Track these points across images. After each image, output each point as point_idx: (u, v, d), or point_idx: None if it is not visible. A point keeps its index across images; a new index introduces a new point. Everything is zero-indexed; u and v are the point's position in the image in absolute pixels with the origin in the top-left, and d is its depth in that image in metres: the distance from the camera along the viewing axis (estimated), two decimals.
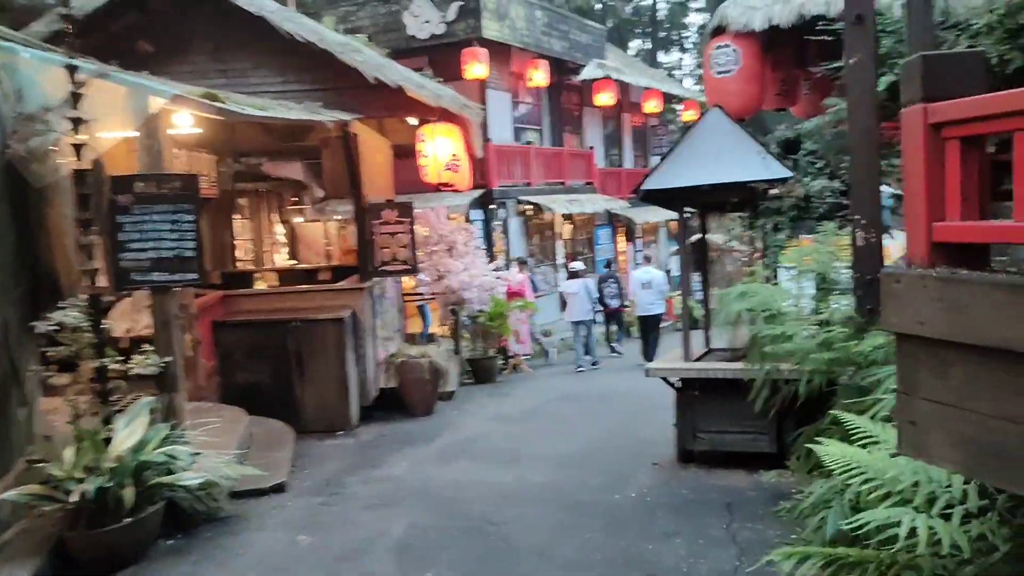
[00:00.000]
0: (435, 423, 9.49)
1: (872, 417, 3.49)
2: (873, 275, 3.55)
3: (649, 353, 13.65)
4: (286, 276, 13.62)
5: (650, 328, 14.14)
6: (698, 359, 7.39)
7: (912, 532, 2.70)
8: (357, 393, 9.46)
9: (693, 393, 7.04)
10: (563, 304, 14.77)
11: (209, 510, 5.78)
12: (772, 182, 6.22)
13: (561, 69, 20.65)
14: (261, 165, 14.61)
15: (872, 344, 4.00)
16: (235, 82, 9.44)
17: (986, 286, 2.02)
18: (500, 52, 18.28)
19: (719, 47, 7.73)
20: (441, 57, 17.16)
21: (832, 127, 6.58)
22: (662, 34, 37.04)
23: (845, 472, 3.08)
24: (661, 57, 37.41)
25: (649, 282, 14.19)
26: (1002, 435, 2.02)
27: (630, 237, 24.47)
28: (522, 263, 16.02)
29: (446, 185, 9.07)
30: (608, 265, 17.36)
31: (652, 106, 24.07)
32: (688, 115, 26.99)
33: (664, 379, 7.14)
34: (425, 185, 16.73)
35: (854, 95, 4.80)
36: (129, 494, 5.09)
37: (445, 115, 9.15)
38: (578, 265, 15.24)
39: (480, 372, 13.25)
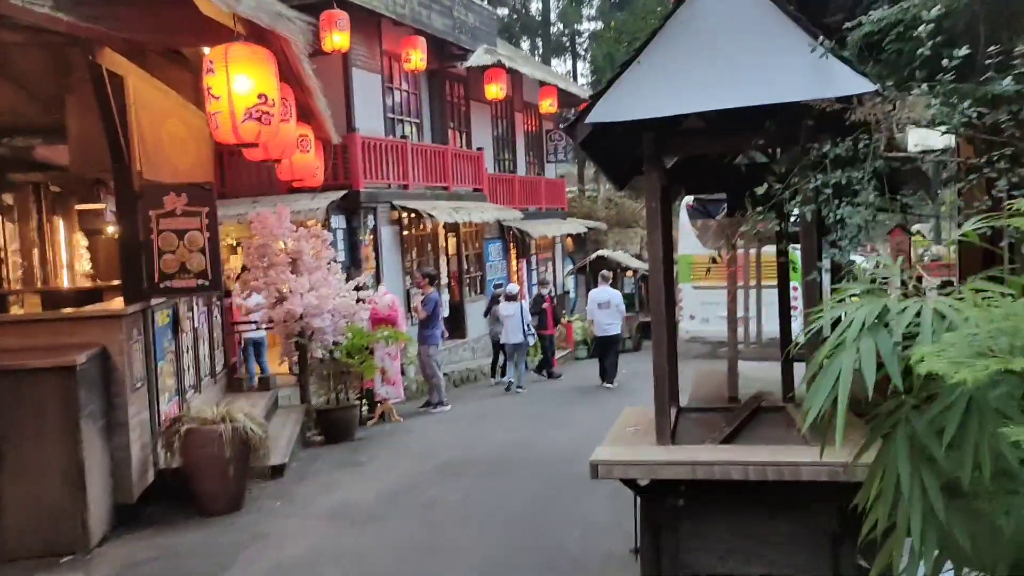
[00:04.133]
0: (236, 531, 5.95)
1: None
2: None
3: (609, 375, 13.45)
4: (56, 299, 9.76)
5: (609, 349, 13.62)
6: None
7: None
8: (106, 486, 5.83)
9: (675, 502, 3.85)
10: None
11: None
12: (846, 102, 3.15)
13: (444, 53, 17.45)
14: (33, 148, 10.70)
15: None
16: None
17: None
18: (368, 22, 14.93)
19: None
20: None
21: None
22: (553, 38, 34.48)
23: None
24: (554, 64, 34.87)
25: (607, 301, 13.61)
26: None
27: (523, 253, 21.41)
28: (430, 278, 12.63)
29: (248, 147, 5.65)
30: (543, 285, 16.39)
31: (548, 105, 21.20)
32: None
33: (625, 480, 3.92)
34: (278, 185, 13.30)
35: None
36: None
37: (255, 35, 5.76)
38: (513, 288, 14.60)
39: (333, 427, 9.77)
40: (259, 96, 5.34)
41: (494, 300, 15.30)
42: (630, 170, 4.89)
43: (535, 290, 20.59)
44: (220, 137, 5.45)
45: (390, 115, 16.04)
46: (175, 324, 7.46)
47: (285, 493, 6.91)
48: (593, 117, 3.49)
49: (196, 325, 8.44)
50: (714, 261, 5.80)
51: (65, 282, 12.48)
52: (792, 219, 3.95)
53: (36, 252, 11.76)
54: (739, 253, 6.52)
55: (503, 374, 14.39)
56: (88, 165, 6.82)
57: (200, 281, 6.63)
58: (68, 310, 6.61)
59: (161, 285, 6.57)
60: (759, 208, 3.38)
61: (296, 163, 9.32)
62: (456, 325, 17.28)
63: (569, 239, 25.13)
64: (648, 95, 3.45)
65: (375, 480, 7.42)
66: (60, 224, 12.59)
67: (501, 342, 14.03)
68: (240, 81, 5.28)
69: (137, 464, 6.16)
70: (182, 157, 8.33)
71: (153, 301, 6.73)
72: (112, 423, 5.94)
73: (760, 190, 3.35)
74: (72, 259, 13.07)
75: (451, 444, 9.13)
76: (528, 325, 13.76)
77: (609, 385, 13.45)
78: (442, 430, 10.24)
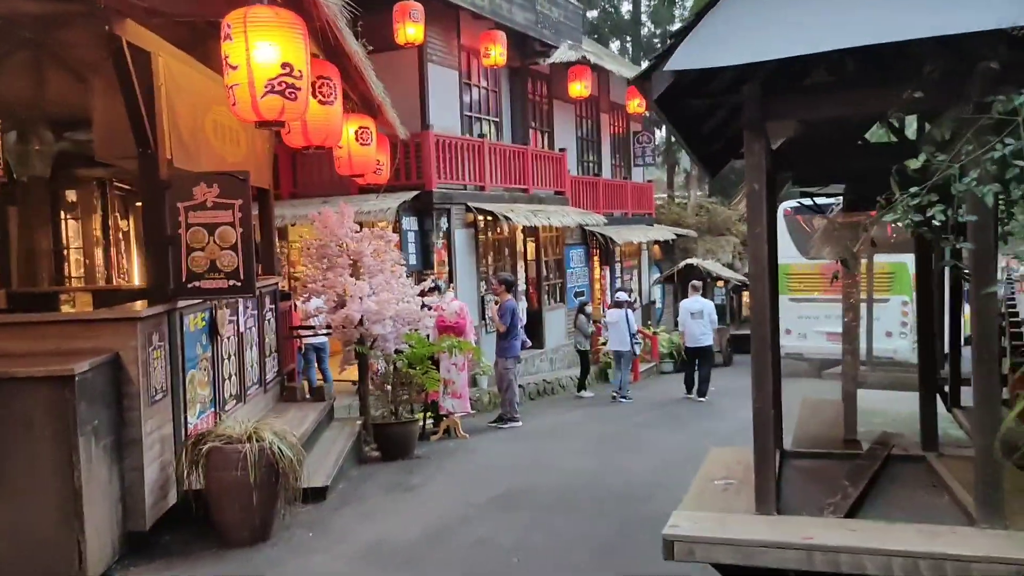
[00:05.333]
0: (255, 568, 5.19)
1: None
2: None
3: (701, 387, 13.27)
4: (110, 298, 9.29)
5: (702, 360, 13.43)
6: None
7: None
8: (113, 512, 5.15)
9: None
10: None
11: None
12: None
13: (526, 50, 16.63)
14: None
15: None
16: None
17: None
18: (445, 15, 14.24)
19: None
20: (369, 18, 13.10)
21: None
22: (643, 39, 33.21)
23: None
24: (645, 66, 33.60)
25: (700, 311, 13.46)
26: None
27: (606, 260, 20.34)
28: (507, 285, 11.84)
29: (272, 124, 4.87)
30: (628, 294, 15.54)
31: (636, 105, 20.08)
32: None
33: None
34: (349, 185, 12.69)
35: None
36: None
37: (290, 2, 5.00)
38: (623, 295, 14.61)
39: (390, 443, 8.99)
40: (283, 66, 4.57)
41: (580, 310, 14.75)
42: (725, 149, 3.89)
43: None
44: (239, 113, 4.71)
45: (467, 113, 15.29)
46: (212, 328, 6.79)
47: (321, 521, 6.13)
48: (675, 63, 2.53)
49: (242, 330, 7.79)
50: (845, 265, 4.69)
51: (136, 281, 12.15)
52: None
53: (99, 251, 11.43)
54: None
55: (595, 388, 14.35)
56: (113, 151, 6.22)
57: (232, 282, 5.93)
58: (80, 312, 5.99)
59: (189, 285, 5.89)
60: (914, 191, 2.35)
61: (355, 156, 8.61)
62: (534, 335, 16.39)
63: (656, 247, 23.95)
64: (753, 31, 2.47)
65: (423, 509, 6.58)
66: (127, 222, 12.27)
67: (608, 349, 13.98)
68: (262, 49, 4.52)
69: (153, 486, 5.48)
70: (231, 149, 7.71)
71: (182, 303, 6.07)
72: (123, 440, 5.27)
73: (915, 164, 2.32)
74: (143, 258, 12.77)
75: (515, 468, 8.22)
76: (635, 334, 13.68)
77: (701, 399, 13.22)
78: (508, 450, 9.35)
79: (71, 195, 11.12)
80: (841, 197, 5.11)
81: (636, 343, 13.89)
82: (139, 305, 6.01)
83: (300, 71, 4.65)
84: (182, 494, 5.87)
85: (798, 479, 3.45)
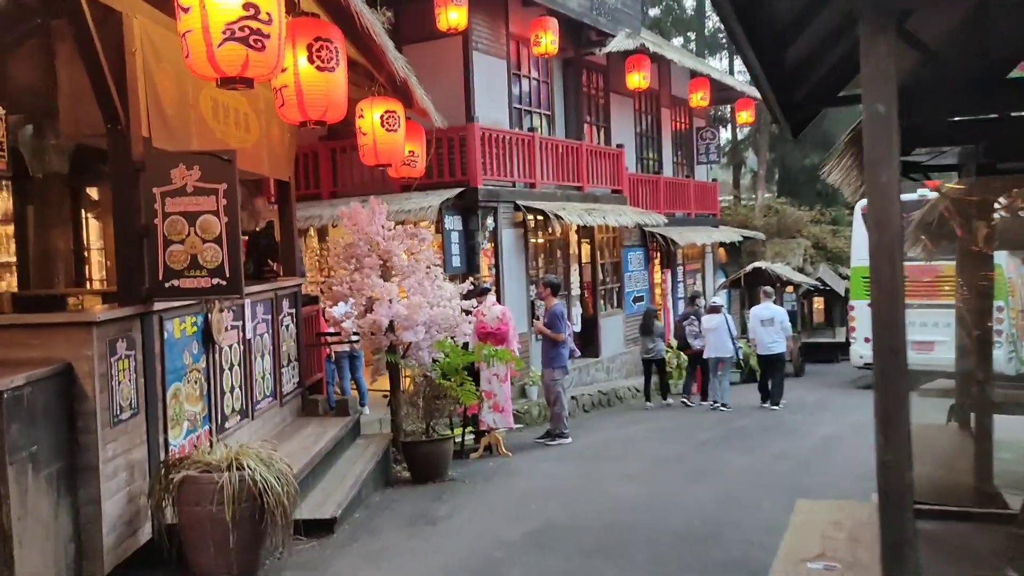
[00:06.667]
0: None
1: None
2: None
3: (774, 396, 12.87)
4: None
5: (773, 368, 13.06)
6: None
7: None
8: (61, 555, 4.29)
9: None
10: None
11: None
12: None
13: (581, 38, 15.59)
14: None
15: None
16: None
17: None
18: (492, 1, 13.32)
19: None
20: (411, 6, 12.35)
21: None
22: (707, 34, 31.76)
23: None
24: (709, 62, 32.19)
25: (771, 319, 13.03)
26: None
27: (667, 263, 19.12)
28: (553, 288, 10.96)
29: (236, 82, 3.93)
30: (693, 301, 14.71)
31: (699, 99, 18.83)
32: (744, 116, 21.80)
33: None
34: (391, 183, 11.87)
35: None
36: None
37: None
38: (719, 300, 14.25)
39: (420, 463, 8.05)
40: (246, 7, 3.66)
41: (649, 316, 13.83)
42: (812, 96, 2.82)
43: (680, 305, 18.35)
44: (193, 67, 3.81)
45: (516, 105, 14.32)
46: (206, 335, 5.94)
47: (321, 563, 5.21)
48: None
49: (250, 336, 6.95)
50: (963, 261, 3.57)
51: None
52: None
53: None
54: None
55: (658, 397, 13.70)
56: (80, 127, 5.43)
57: (216, 280, 5.06)
58: (24, 316, 5.17)
59: (166, 285, 5.04)
60: None
61: (380, 144, 7.69)
62: (589, 342, 15.34)
63: (721, 249, 22.59)
64: None
65: (444, 549, 5.59)
66: None
67: (704, 356, 13.29)
68: None
69: (116, 522, 4.63)
70: (238, 134, 6.89)
71: (163, 305, 5.23)
72: (75, 468, 4.42)
73: None
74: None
75: (559, 495, 7.19)
76: (734, 339, 13.30)
77: (774, 407, 12.78)
78: (553, 472, 8.32)
79: (93, 192, 10.51)
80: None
81: (739, 348, 13.46)
82: (107, 307, 5.19)
83: (269, 14, 3.73)
84: (157, 529, 5.01)
85: (931, 556, 2.36)
